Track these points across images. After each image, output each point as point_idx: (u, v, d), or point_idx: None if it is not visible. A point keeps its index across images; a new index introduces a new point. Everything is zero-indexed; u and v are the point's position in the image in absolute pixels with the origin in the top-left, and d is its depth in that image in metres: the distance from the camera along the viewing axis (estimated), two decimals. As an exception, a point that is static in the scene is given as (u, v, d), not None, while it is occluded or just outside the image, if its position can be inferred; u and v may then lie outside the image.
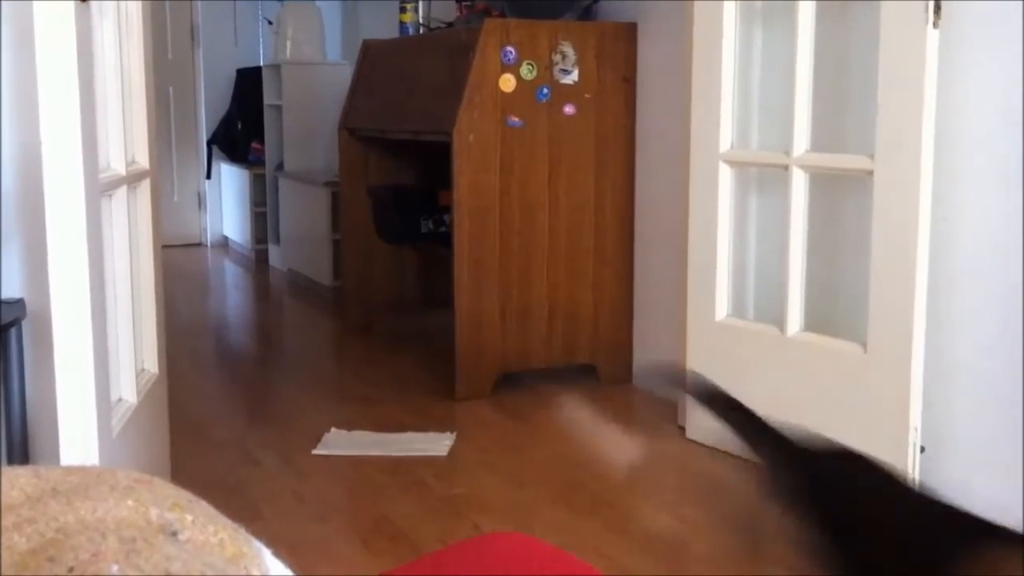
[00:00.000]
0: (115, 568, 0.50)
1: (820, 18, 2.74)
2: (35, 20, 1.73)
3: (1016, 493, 2.43)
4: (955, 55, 2.49)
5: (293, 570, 0.63)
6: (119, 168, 2.12)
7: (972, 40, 2.47)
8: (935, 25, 2.43)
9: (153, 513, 0.55)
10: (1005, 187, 2.43)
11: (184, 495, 0.60)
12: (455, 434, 3.19)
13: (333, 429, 3.23)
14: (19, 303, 2.31)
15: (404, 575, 0.94)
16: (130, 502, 0.55)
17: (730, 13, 2.96)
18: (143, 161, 2.37)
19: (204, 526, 0.56)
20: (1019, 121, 2.38)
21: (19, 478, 0.56)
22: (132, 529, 0.53)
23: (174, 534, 0.55)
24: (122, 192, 2.15)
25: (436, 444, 3.10)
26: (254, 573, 0.56)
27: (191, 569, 0.52)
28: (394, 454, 3.01)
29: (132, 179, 2.23)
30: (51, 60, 1.73)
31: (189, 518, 0.56)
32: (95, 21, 1.97)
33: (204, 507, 0.60)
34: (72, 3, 1.73)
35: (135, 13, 2.31)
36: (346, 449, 3.06)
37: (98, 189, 1.90)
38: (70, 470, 0.59)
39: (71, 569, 0.50)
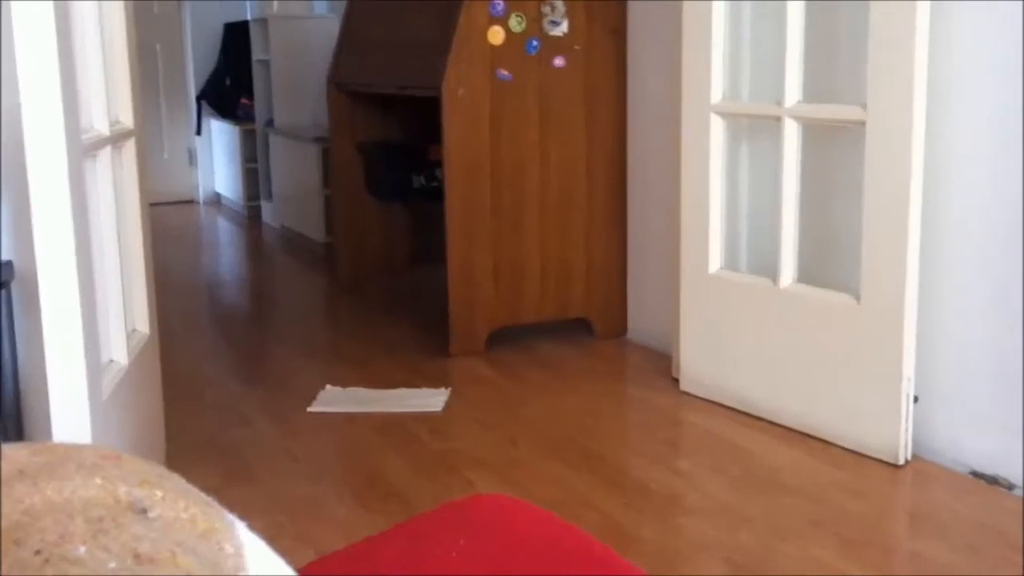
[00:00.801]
0: (82, 549, 0.50)
1: (812, -35, 2.70)
2: (10, -21, 1.69)
3: (1006, 442, 2.44)
4: (948, 4, 2.46)
5: (274, 541, 0.63)
6: (102, 128, 2.10)
7: (965, -14, 2.44)
8: (928, -29, 2.40)
9: (121, 491, 0.55)
10: (999, 136, 2.41)
11: (154, 470, 0.59)
12: (449, 390, 3.19)
13: (328, 387, 3.23)
14: (7, 265, 2.30)
15: (384, 540, 0.94)
16: (98, 480, 0.55)
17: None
18: (127, 120, 2.34)
19: (174, 502, 0.56)
20: (1014, 68, 2.36)
21: (-17, 461, 0.55)
22: (100, 508, 0.53)
23: (143, 511, 0.54)
24: (106, 152, 2.13)
25: (431, 400, 3.11)
26: (227, 548, 0.55)
27: (160, 548, 0.51)
28: (389, 410, 3.02)
29: (116, 139, 2.21)
30: (28, 21, 1.70)
31: (159, 494, 0.55)
32: (72, -21, 1.94)
33: (175, 482, 0.59)
34: (47, -39, 1.69)
35: (114, -31, 2.27)
36: (341, 406, 3.07)
37: (81, 150, 1.88)
38: (37, 449, 0.58)
39: (38, 552, 0.49)
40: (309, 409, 3.06)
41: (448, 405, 3.09)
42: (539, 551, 0.87)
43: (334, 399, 3.14)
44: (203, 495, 0.58)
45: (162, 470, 0.59)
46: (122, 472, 0.56)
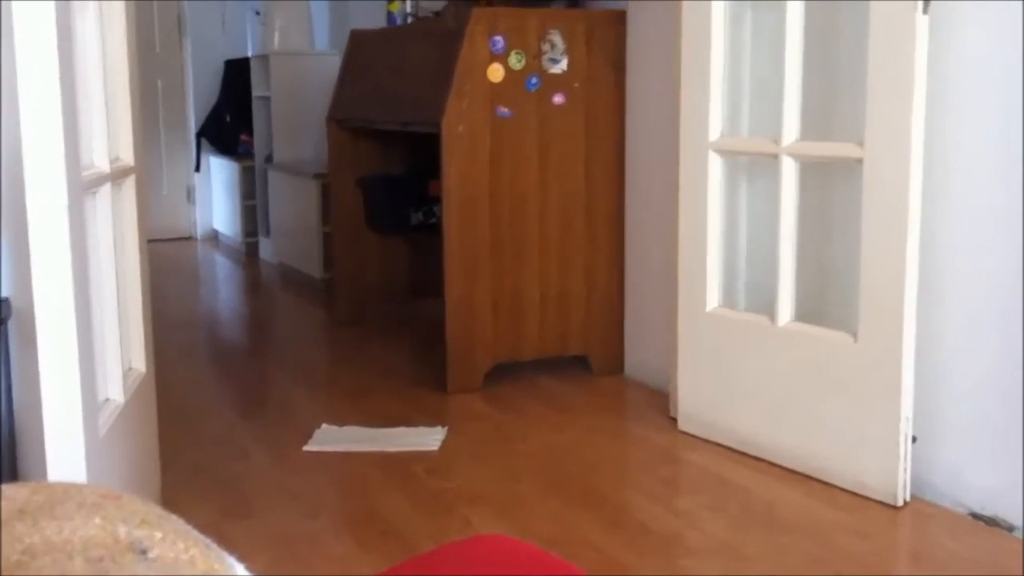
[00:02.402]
0: (81, 590, 0.49)
1: (810, 5, 2.73)
2: (14, 16, 1.71)
3: (1006, 483, 2.43)
4: (945, 41, 2.48)
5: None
6: (103, 166, 2.10)
7: (963, 26, 2.46)
8: (924, 11, 2.42)
9: (121, 531, 0.54)
10: (997, 172, 2.42)
11: (154, 511, 0.59)
12: (446, 428, 3.18)
13: (324, 425, 3.22)
14: (5, 302, 2.30)
15: (386, 581, 0.93)
16: (97, 520, 0.54)
17: (719, 1, 2.95)
18: (127, 158, 2.35)
19: (174, 543, 0.55)
20: (1013, 106, 2.37)
21: (-15, 501, 0.55)
22: (99, 548, 0.52)
23: (143, 552, 0.54)
24: (106, 190, 2.13)
25: (427, 438, 3.09)
26: (226, 590, 0.55)
27: (160, 589, 0.51)
28: (385, 449, 3.00)
29: (116, 176, 2.22)
30: (31, 57, 1.71)
31: (158, 535, 0.55)
32: (76, 17, 1.95)
33: (174, 522, 0.58)
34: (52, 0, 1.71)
35: (117, 7, 2.28)
36: (337, 445, 3.05)
37: (81, 187, 1.89)
38: (37, 488, 0.58)
39: (37, 592, 0.49)
40: (305, 448, 3.04)
41: (446, 442, 3.07)
42: (539, 592, 0.87)
43: (330, 438, 3.12)
44: (202, 536, 0.58)
45: (161, 511, 0.59)
46: (122, 512, 0.56)
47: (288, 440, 3.10)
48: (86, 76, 2.03)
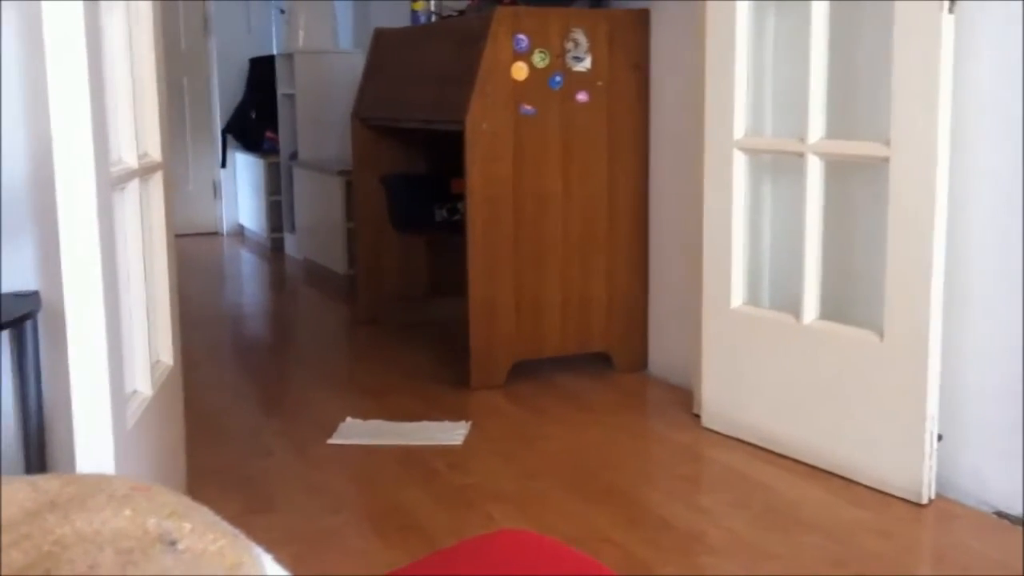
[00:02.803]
0: (111, 581, 0.50)
1: (834, 4, 2.72)
2: (43, 15, 1.73)
3: (1033, 482, 2.41)
4: (970, 40, 2.46)
5: (293, 572, 0.63)
6: (131, 161, 2.13)
7: (988, 25, 2.44)
8: (950, 10, 2.40)
9: (151, 522, 0.55)
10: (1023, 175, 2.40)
11: (183, 502, 0.59)
12: (470, 423, 3.19)
13: (348, 419, 3.24)
14: (34, 296, 2.32)
15: (410, 575, 0.93)
16: (127, 512, 0.55)
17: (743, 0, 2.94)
18: (155, 154, 2.37)
19: (203, 534, 0.56)
20: (1036, 106, 2.35)
21: (17, 493, 0.56)
22: (129, 540, 0.53)
23: (172, 543, 0.54)
24: (134, 185, 2.16)
25: (451, 433, 3.10)
26: (253, 582, 0.56)
27: (189, 581, 0.52)
28: (409, 443, 3.02)
29: (144, 172, 2.24)
30: (60, 55, 1.73)
31: (187, 526, 0.56)
32: (104, 16, 1.97)
33: (203, 514, 0.59)
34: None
35: (144, 6, 2.31)
36: (362, 438, 3.07)
37: (109, 183, 1.91)
38: (69, 480, 0.59)
39: (67, 583, 0.49)
40: (329, 441, 3.06)
41: (468, 438, 3.08)
42: (562, 587, 0.87)
43: (354, 431, 3.14)
44: (231, 527, 0.58)
45: (190, 502, 0.60)
46: (152, 504, 0.57)
47: (311, 436, 3.12)
48: (114, 74, 2.05)
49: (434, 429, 3.15)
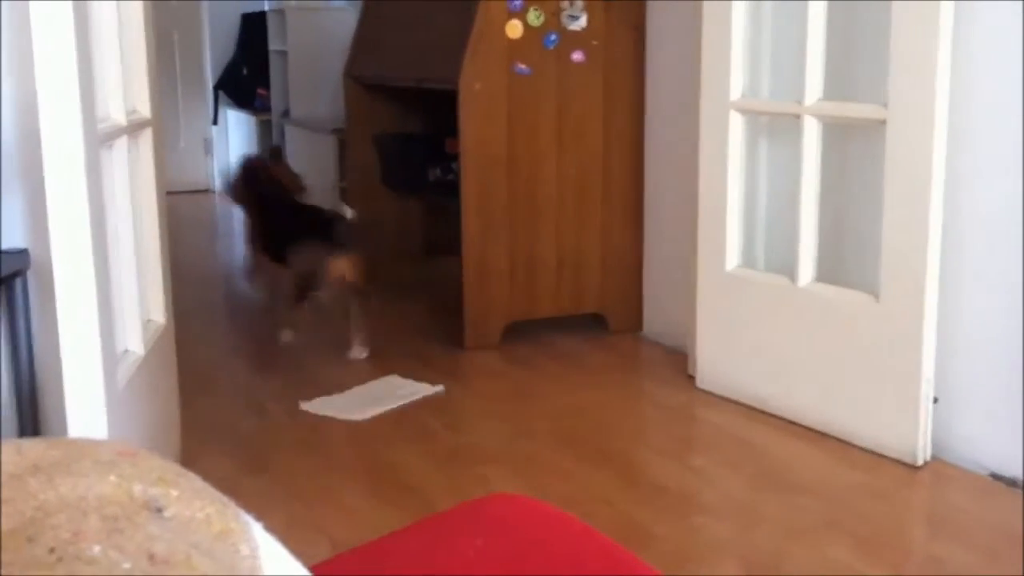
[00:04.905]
0: (96, 549, 0.49)
1: (835, -40, 2.68)
2: (29, -33, 1.69)
3: (1026, 445, 2.41)
4: (969, 3, 2.43)
5: (287, 546, 0.62)
6: (119, 118, 2.09)
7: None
8: (953, -32, 2.37)
9: (137, 489, 0.53)
10: (1022, 133, 2.38)
11: (171, 468, 0.58)
12: (442, 387, 3.17)
13: (317, 399, 3.09)
14: (23, 254, 2.30)
15: (400, 539, 0.93)
16: (113, 477, 0.54)
17: (742, -44, 2.89)
18: (144, 110, 2.34)
19: (190, 501, 0.54)
20: (1038, 67, 2.33)
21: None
22: (115, 507, 0.52)
23: (159, 510, 0.53)
24: (122, 142, 2.12)
25: (423, 388, 3.11)
26: (242, 549, 0.54)
27: (175, 549, 0.50)
28: (385, 408, 2.97)
29: (133, 129, 2.20)
30: (46, 10, 1.69)
31: (174, 493, 0.54)
32: (91, -33, 1.93)
33: (191, 480, 0.58)
34: (66, -51, 1.68)
35: (133, -41, 2.26)
36: (328, 411, 2.98)
37: (97, 140, 1.88)
38: (53, 443, 0.57)
39: (52, 550, 0.48)
40: (302, 406, 3.00)
41: (462, 398, 3.08)
42: (557, 552, 0.86)
43: (325, 406, 3.03)
44: (219, 494, 0.57)
45: (179, 468, 0.58)
46: (138, 469, 0.55)
47: (305, 395, 3.11)
48: (100, 28, 2.01)
49: (404, 386, 3.13)
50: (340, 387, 3.19)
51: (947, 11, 2.38)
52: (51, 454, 0.56)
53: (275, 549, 0.59)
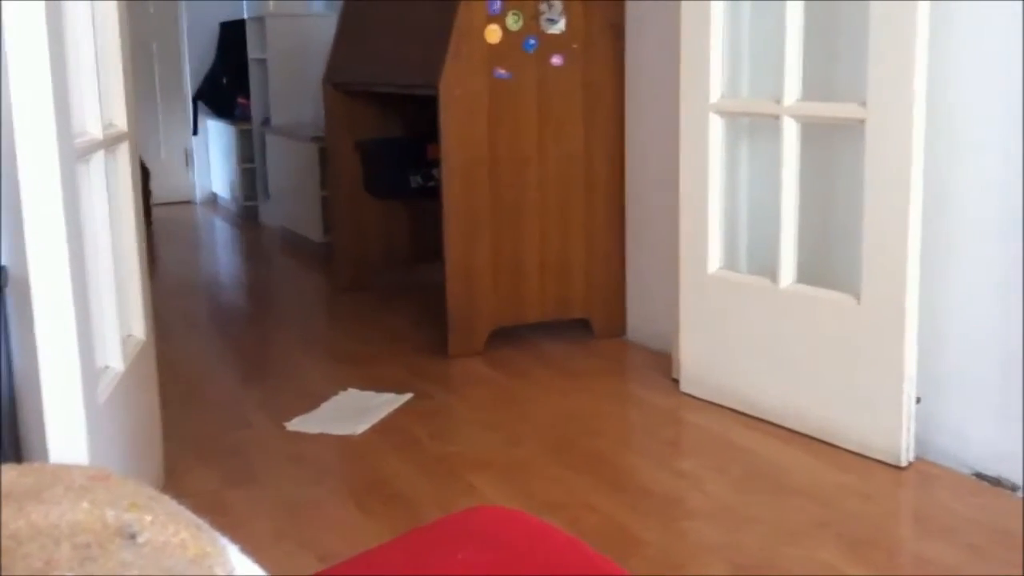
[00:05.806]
0: (68, 578, 0.48)
1: (811, -38, 2.68)
2: (1, -19, 1.67)
3: (1010, 444, 2.42)
4: (947, 1, 2.44)
5: (263, 567, 0.61)
6: (95, 132, 2.08)
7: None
8: (928, -32, 2.38)
9: (109, 515, 0.53)
10: (1000, 131, 2.39)
11: (144, 492, 0.57)
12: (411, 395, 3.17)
13: (296, 419, 3.03)
14: (2, 271, 2.28)
15: (384, 553, 0.92)
16: (85, 504, 0.53)
17: (719, -42, 2.90)
18: (121, 123, 2.32)
19: (164, 526, 0.54)
20: (1015, 63, 2.34)
21: (-32, 485, 0.53)
22: (87, 534, 0.51)
23: (132, 536, 0.52)
24: (99, 156, 2.11)
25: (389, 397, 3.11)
26: (218, 573, 0.54)
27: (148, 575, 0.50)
28: (376, 419, 2.96)
29: (109, 142, 2.19)
30: (18, 21, 1.68)
31: (148, 518, 0.54)
32: (65, -20, 1.91)
33: (165, 504, 0.57)
34: (39, -38, 1.67)
35: (107, -30, 2.24)
36: (314, 428, 2.96)
37: (74, 155, 1.86)
38: (25, 470, 0.57)
39: (23, 579, 0.47)
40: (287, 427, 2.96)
41: (449, 406, 3.07)
42: (540, 564, 0.86)
43: (306, 423, 2.99)
44: (194, 517, 0.56)
45: (152, 491, 0.57)
46: (111, 495, 0.54)
47: (290, 407, 3.10)
48: (76, 38, 2.00)
49: (376, 399, 3.13)
50: (325, 397, 3.18)
51: (924, 10, 2.39)
52: (22, 481, 0.55)
53: (252, 571, 0.58)
